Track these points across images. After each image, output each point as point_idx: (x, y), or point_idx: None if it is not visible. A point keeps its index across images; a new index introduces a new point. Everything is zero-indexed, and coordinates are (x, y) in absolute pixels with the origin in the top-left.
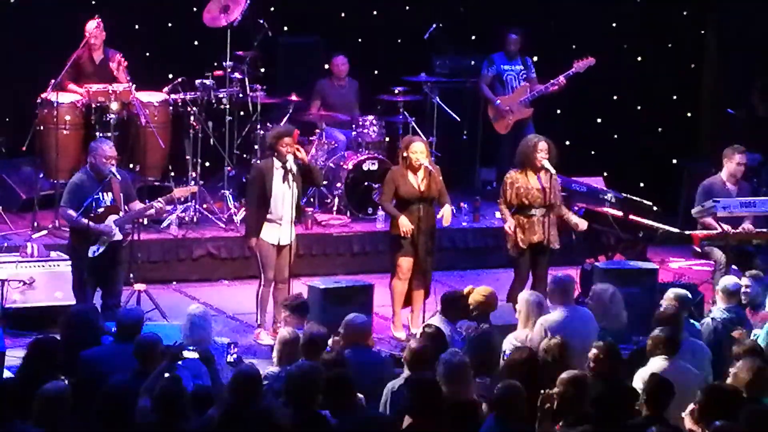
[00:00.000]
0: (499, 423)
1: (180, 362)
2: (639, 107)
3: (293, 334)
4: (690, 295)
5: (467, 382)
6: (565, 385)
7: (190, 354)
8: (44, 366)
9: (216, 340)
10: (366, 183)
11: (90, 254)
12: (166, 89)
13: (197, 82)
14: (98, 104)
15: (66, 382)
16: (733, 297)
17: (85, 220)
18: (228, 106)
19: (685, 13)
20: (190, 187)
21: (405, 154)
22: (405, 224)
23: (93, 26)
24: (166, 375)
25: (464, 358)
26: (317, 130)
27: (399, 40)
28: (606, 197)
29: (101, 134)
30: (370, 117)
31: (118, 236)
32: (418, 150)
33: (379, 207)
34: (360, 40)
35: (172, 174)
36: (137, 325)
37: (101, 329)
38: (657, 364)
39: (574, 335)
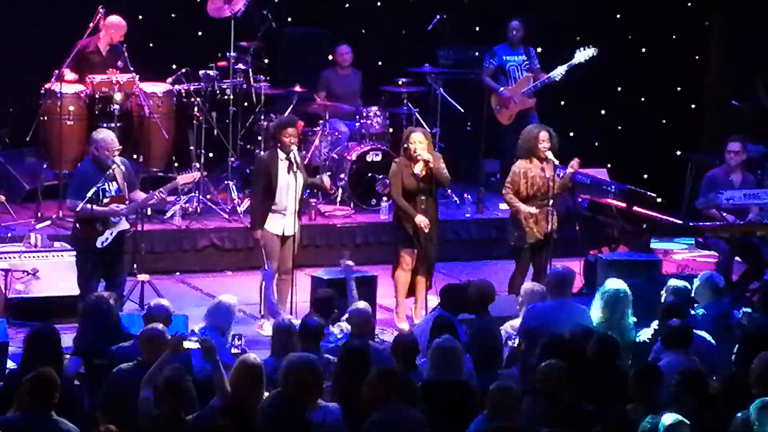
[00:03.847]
0: (489, 420)
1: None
2: (643, 99)
3: (287, 323)
4: (689, 287)
5: (457, 366)
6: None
7: (191, 344)
8: (46, 355)
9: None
10: (370, 174)
11: (99, 244)
12: (169, 80)
13: (201, 72)
14: (102, 95)
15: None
16: (721, 292)
17: (90, 206)
18: (232, 97)
19: (689, 4)
20: (193, 173)
21: (406, 145)
22: (422, 221)
23: (117, 21)
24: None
25: (455, 342)
26: (321, 122)
27: (403, 32)
28: (609, 189)
29: (104, 125)
30: (374, 108)
31: (125, 225)
32: (417, 140)
33: (383, 198)
34: (364, 31)
35: (176, 165)
36: (167, 320)
37: (118, 317)
38: (672, 358)
39: (554, 326)
